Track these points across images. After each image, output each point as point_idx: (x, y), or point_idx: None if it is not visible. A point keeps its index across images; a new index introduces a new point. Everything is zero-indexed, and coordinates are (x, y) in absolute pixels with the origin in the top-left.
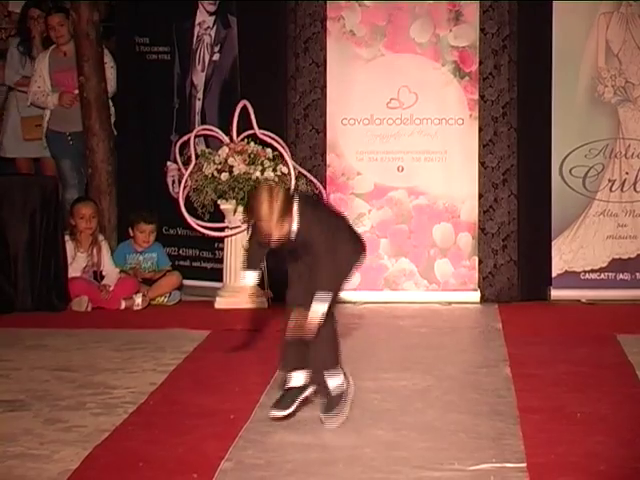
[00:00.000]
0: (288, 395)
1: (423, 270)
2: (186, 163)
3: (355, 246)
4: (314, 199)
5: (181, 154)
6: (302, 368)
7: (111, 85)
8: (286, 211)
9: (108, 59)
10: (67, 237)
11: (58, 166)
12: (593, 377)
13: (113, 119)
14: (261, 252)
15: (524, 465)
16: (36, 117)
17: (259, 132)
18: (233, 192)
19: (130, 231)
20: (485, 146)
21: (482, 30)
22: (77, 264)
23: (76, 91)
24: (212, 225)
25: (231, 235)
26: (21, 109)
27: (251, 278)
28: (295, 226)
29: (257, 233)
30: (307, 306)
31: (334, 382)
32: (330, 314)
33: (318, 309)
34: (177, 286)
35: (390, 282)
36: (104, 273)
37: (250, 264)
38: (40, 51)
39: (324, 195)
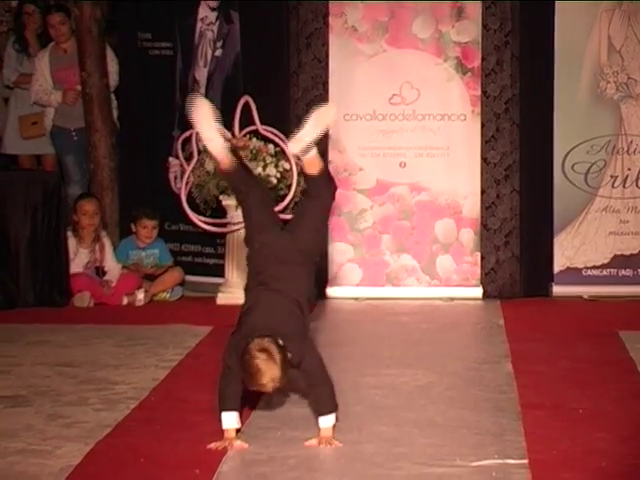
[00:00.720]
0: None
1: (425, 266)
2: (188, 159)
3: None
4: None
5: (183, 150)
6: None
7: (113, 80)
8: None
9: (110, 55)
10: (69, 233)
11: (62, 162)
12: (595, 373)
13: (116, 114)
14: (241, 389)
15: (526, 461)
16: (32, 115)
17: (261, 128)
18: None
19: (132, 227)
20: (487, 142)
21: (484, 26)
22: (79, 260)
23: (79, 87)
24: (214, 221)
25: (233, 231)
26: (19, 107)
27: (233, 421)
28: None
29: (239, 380)
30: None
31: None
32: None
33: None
34: (179, 282)
35: (392, 278)
36: (106, 269)
37: (230, 404)
38: (35, 48)
39: None
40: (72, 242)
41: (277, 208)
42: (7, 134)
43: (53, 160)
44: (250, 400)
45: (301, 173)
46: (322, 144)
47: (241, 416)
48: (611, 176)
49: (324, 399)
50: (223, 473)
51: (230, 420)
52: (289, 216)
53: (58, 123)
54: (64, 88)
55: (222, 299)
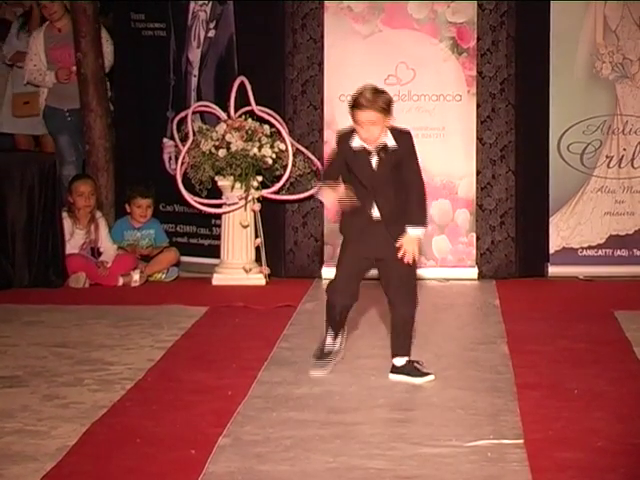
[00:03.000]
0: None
1: (420, 247)
2: (184, 139)
3: None
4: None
5: (178, 130)
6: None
7: (108, 60)
8: (388, 112)
9: (104, 36)
10: (65, 214)
11: (55, 142)
12: (591, 353)
13: (110, 95)
14: (337, 177)
15: (522, 441)
16: (26, 94)
17: (257, 109)
18: (230, 168)
19: (127, 207)
20: (483, 122)
21: (480, 6)
22: (75, 241)
23: (74, 67)
24: (209, 202)
25: (228, 212)
26: (15, 85)
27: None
28: (390, 141)
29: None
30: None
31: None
32: None
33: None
34: (174, 262)
35: None
36: (101, 250)
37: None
38: (37, 26)
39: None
40: (67, 223)
41: (273, 189)
42: (2, 112)
43: (52, 141)
44: (246, 380)
45: (296, 153)
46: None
47: None
48: (607, 156)
49: (418, 209)
50: (219, 453)
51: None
52: (285, 197)
53: (51, 104)
54: (58, 67)
55: (217, 280)
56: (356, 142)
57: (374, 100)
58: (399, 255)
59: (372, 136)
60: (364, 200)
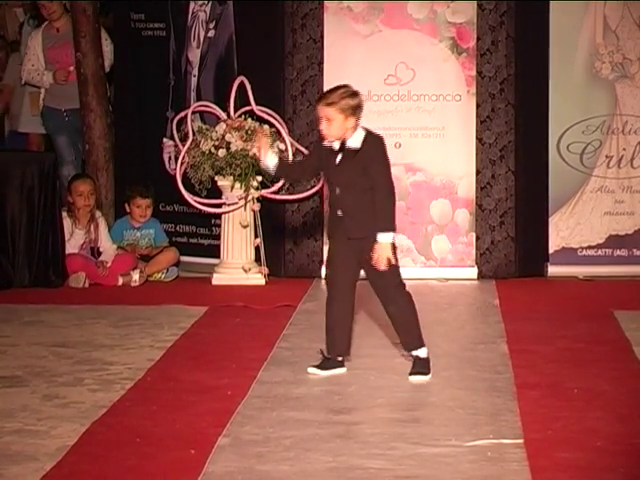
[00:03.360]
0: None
1: (420, 247)
2: (183, 139)
3: None
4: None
5: (177, 130)
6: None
7: (108, 60)
8: (350, 114)
9: (104, 35)
10: (64, 214)
11: (54, 142)
12: (590, 353)
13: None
14: (303, 166)
15: (521, 441)
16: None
17: (256, 108)
18: (230, 168)
19: (127, 207)
20: (483, 122)
21: (480, 6)
22: (75, 241)
23: (71, 68)
24: (209, 201)
25: (228, 211)
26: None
27: (272, 160)
28: (355, 143)
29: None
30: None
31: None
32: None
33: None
34: (174, 262)
35: None
36: (101, 249)
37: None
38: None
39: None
40: (67, 223)
41: (272, 189)
42: (23, 112)
43: (39, 140)
44: (246, 380)
45: (295, 153)
46: None
47: None
48: (606, 156)
49: (382, 213)
50: (218, 453)
51: (270, 159)
52: (285, 197)
53: (49, 104)
54: (56, 67)
55: (217, 280)
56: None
57: (334, 99)
58: (372, 263)
59: (328, 132)
60: (332, 197)
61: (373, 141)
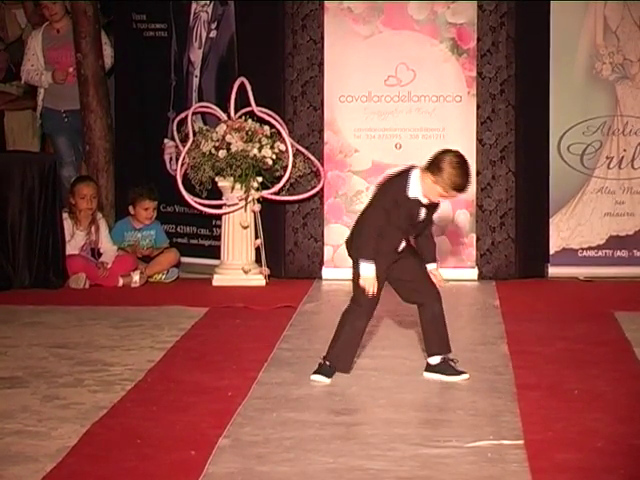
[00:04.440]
0: None
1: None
2: (184, 140)
3: None
4: None
5: (178, 131)
6: None
7: (107, 62)
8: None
9: (104, 39)
10: (65, 215)
11: (53, 144)
12: (591, 354)
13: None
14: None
15: (522, 442)
16: None
17: (257, 109)
18: (231, 169)
19: (131, 209)
20: (483, 123)
21: (480, 7)
22: (75, 242)
23: (70, 69)
24: (210, 202)
25: (229, 212)
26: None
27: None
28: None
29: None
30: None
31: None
32: None
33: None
34: (175, 263)
35: None
36: (102, 250)
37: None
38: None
39: (321, 172)
40: (68, 224)
41: (273, 190)
42: None
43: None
44: (246, 382)
45: (296, 154)
46: None
47: None
48: (607, 157)
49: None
50: (219, 454)
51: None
52: (286, 198)
53: (48, 105)
54: (55, 68)
55: (218, 280)
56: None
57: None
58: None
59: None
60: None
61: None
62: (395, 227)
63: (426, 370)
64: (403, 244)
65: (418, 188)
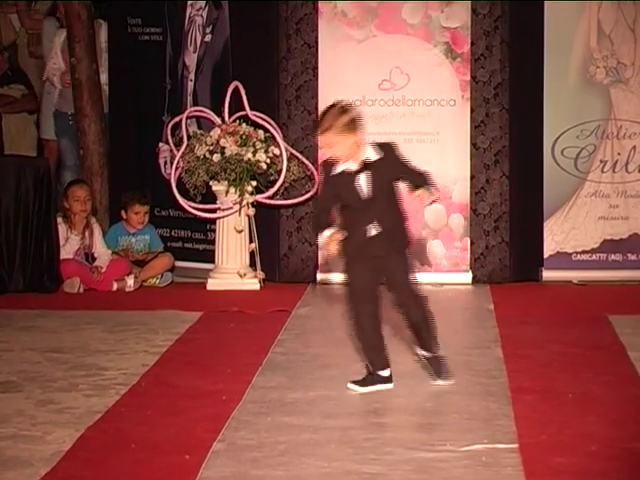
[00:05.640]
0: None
1: (415, 251)
2: (178, 144)
3: None
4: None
5: (173, 135)
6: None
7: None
8: (352, 129)
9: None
10: (60, 219)
11: (58, 146)
12: (585, 358)
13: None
14: (330, 208)
15: (516, 446)
16: None
17: (251, 113)
18: (225, 173)
19: (123, 213)
20: (477, 127)
21: (474, 11)
22: (70, 246)
23: None
24: (204, 206)
25: (223, 217)
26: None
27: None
28: (370, 156)
29: (329, 185)
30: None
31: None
32: None
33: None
34: (169, 267)
35: None
36: (96, 255)
37: (323, 223)
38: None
39: (316, 176)
40: (63, 228)
41: (267, 194)
42: (44, 118)
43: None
44: (241, 386)
45: (290, 158)
46: None
47: None
48: (601, 161)
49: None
50: (213, 458)
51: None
52: (280, 202)
53: (58, 107)
54: (64, 70)
55: (212, 285)
56: (341, 166)
57: (326, 124)
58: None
59: (341, 155)
60: (359, 221)
61: (388, 148)
62: (347, 207)
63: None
64: (373, 229)
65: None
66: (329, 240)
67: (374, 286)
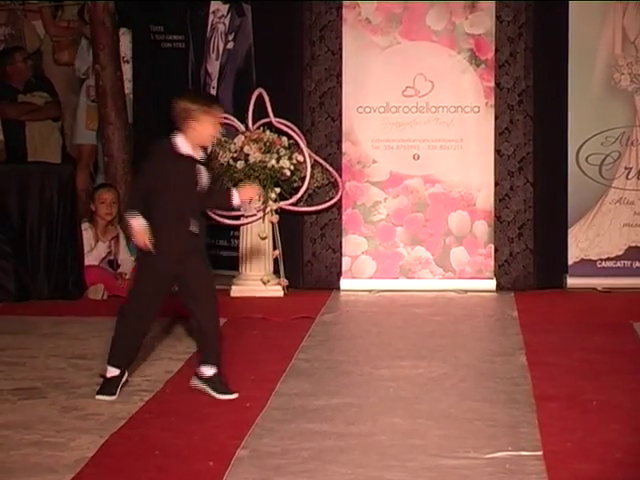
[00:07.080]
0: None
1: (439, 258)
2: None
3: None
4: None
5: None
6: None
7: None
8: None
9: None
10: (87, 224)
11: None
12: (609, 365)
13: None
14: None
15: (540, 453)
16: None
17: (275, 120)
18: (249, 180)
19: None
20: (501, 134)
21: (498, 17)
22: (97, 252)
23: None
24: (227, 213)
25: (247, 223)
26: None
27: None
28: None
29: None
30: None
31: None
32: None
33: None
34: None
35: (406, 270)
36: (120, 261)
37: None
38: None
39: (340, 183)
40: (89, 234)
41: (291, 200)
42: (77, 125)
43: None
44: (264, 392)
45: (314, 165)
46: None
47: None
48: (625, 167)
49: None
50: (237, 465)
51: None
52: (303, 208)
53: None
54: None
55: (236, 292)
56: (184, 149)
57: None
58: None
59: (197, 138)
60: (185, 211)
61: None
62: (173, 195)
63: (197, 378)
64: (196, 226)
65: (185, 144)
66: (144, 230)
67: (162, 296)
